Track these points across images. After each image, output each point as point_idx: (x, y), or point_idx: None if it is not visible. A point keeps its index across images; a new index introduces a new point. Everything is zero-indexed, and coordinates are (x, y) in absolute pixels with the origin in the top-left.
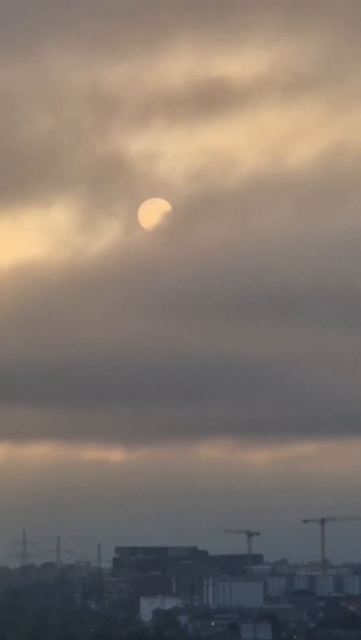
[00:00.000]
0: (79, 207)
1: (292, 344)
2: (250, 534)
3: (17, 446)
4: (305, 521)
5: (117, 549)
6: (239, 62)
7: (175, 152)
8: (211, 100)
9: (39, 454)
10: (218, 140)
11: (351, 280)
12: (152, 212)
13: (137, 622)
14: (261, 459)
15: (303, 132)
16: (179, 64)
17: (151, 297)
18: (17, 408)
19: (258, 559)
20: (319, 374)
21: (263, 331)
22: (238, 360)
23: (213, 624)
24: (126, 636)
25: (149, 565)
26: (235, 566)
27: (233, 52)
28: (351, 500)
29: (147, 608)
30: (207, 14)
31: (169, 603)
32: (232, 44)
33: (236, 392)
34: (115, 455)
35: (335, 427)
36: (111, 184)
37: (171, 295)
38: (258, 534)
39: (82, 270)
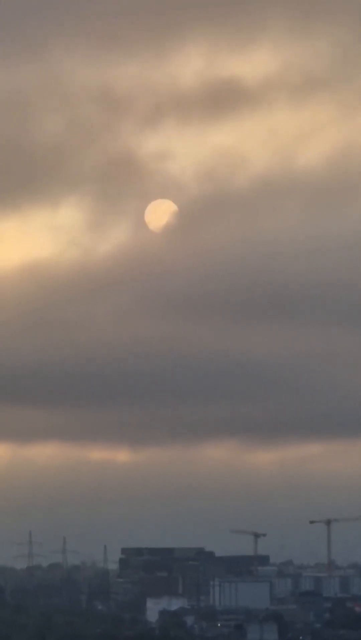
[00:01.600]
0: (88, 208)
1: (299, 345)
2: (256, 535)
3: (24, 447)
4: (311, 522)
5: (123, 550)
6: (250, 63)
7: (185, 152)
8: (221, 100)
9: (45, 455)
10: (228, 140)
11: (359, 280)
12: (161, 213)
13: (143, 622)
14: (266, 460)
15: (313, 133)
16: (190, 64)
17: (158, 298)
18: (23, 409)
19: (264, 559)
20: (325, 375)
21: (269, 332)
22: (245, 361)
23: (219, 624)
24: (132, 637)
25: (155, 566)
26: (241, 567)
27: (244, 53)
28: (357, 501)
29: (153, 609)
30: (218, 14)
31: (175, 604)
32: (243, 44)
33: (242, 394)
34: (121, 456)
35: (340, 427)
36: (120, 184)
37: (178, 296)
38: (264, 535)
39: (90, 271)
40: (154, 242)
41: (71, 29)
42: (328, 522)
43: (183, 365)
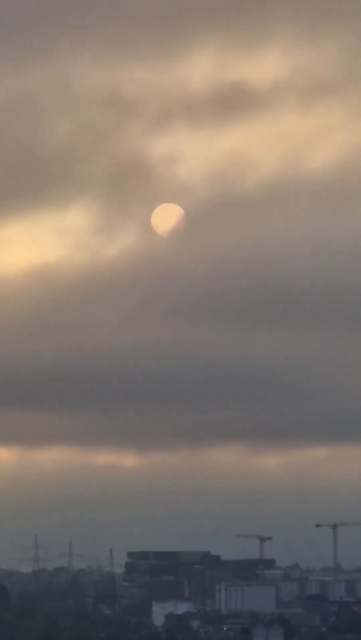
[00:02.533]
0: (96, 211)
1: (305, 349)
2: (262, 539)
3: (30, 451)
4: (317, 526)
5: (129, 554)
6: (259, 66)
7: (193, 156)
8: (229, 104)
9: (51, 459)
10: (237, 144)
11: None
12: (168, 217)
13: (149, 626)
14: (273, 463)
15: (321, 137)
16: (198, 68)
17: (165, 302)
18: (29, 413)
19: (270, 563)
20: (331, 378)
21: (276, 336)
22: (251, 364)
23: (225, 628)
24: None
25: (161, 570)
26: (247, 571)
27: (252, 56)
28: None
29: (159, 612)
30: (226, 18)
31: (181, 608)
32: (251, 48)
33: (249, 397)
34: (127, 460)
35: (347, 431)
36: (128, 188)
37: (185, 300)
38: (270, 538)
39: (97, 275)
40: (161, 246)
41: (80, 33)
42: (335, 526)
43: (190, 369)
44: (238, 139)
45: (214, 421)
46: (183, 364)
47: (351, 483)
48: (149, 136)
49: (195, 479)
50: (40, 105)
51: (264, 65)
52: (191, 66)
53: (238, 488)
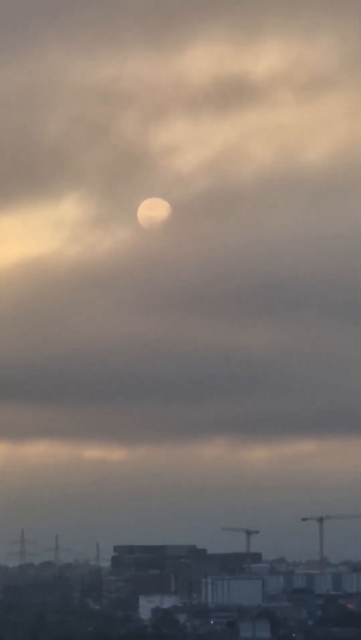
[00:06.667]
0: (90, 204)
1: (293, 343)
2: (249, 532)
3: (17, 445)
4: (304, 519)
5: (115, 548)
6: (257, 59)
7: (190, 149)
8: (228, 97)
9: (39, 453)
10: (234, 137)
11: (358, 277)
12: (162, 209)
13: (136, 620)
14: (260, 457)
15: (319, 130)
16: (197, 61)
17: (158, 295)
18: (17, 406)
19: (256, 557)
20: (319, 372)
21: (264, 329)
22: (239, 358)
23: (211, 622)
24: (125, 635)
25: (147, 564)
26: (234, 564)
27: (251, 49)
28: (350, 499)
29: (145, 607)
30: (225, 11)
31: (168, 602)
32: (250, 41)
33: (236, 390)
34: (114, 454)
35: (334, 425)
36: (123, 180)
37: (178, 293)
38: (256, 532)
39: (90, 268)
40: (155, 239)
41: (75, 25)
42: (321, 520)
43: (178, 363)
44: (235, 131)
45: (201, 415)
46: (172, 357)
47: (338, 476)
48: (145, 129)
49: (182, 472)
50: (36, 97)
51: (262, 58)
52: (189, 59)
53: (224, 482)
